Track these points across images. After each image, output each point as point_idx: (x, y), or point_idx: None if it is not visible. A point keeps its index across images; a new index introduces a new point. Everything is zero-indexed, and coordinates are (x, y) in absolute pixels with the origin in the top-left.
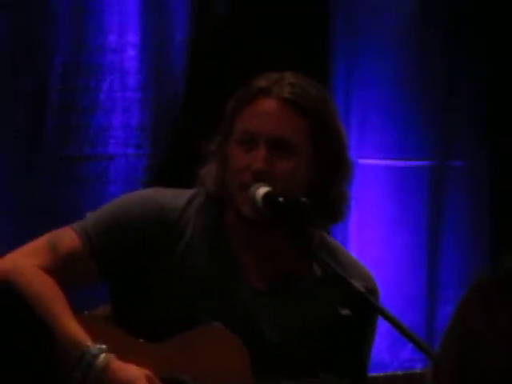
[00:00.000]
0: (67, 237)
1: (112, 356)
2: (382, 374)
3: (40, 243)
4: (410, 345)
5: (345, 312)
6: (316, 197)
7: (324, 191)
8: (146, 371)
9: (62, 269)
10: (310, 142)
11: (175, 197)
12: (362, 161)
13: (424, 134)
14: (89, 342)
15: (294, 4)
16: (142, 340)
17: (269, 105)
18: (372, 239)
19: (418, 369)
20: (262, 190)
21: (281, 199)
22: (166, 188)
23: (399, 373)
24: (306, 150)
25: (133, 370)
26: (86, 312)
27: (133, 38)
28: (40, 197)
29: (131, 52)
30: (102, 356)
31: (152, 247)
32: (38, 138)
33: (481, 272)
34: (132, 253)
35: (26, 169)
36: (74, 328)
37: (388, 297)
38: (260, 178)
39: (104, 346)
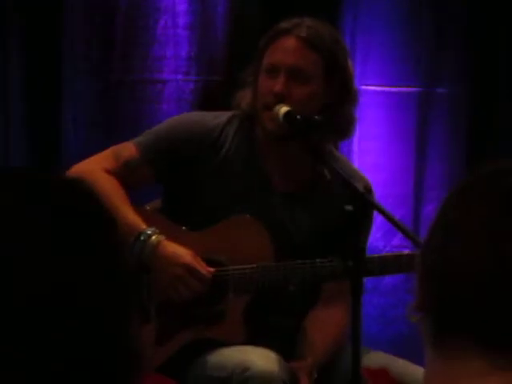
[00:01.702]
0: (127, 148)
1: (162, 237)
2: (376, 255)
3: (106, 153)
4: (400, 234)
5: (348, 208)
6: (328, 117)
7: (335, 113)
8: (190, 251)
9: (123, 172)
10: (322, 72)
11: (216, 117)
12: (364, 87)
13: (415, 66)
14: (144, 226)
15: None
16: (185, 228)
17: (289, 42)
18: (370, 150)
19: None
20: (284, 109)
21: (298, 117)
22: (208, 111)
23: (390, 254)
24: (320, 79)
25: (180, 248)
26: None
27: None
28: (111, 113)
29: None
30: (155, 236)
31: (195, 157)
32: (109, 65)
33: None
34: (179, 161)
35: (101, 89)
36: (131, 215)
37: (382, 196)
38: (280, 100)
39: (156, 230)
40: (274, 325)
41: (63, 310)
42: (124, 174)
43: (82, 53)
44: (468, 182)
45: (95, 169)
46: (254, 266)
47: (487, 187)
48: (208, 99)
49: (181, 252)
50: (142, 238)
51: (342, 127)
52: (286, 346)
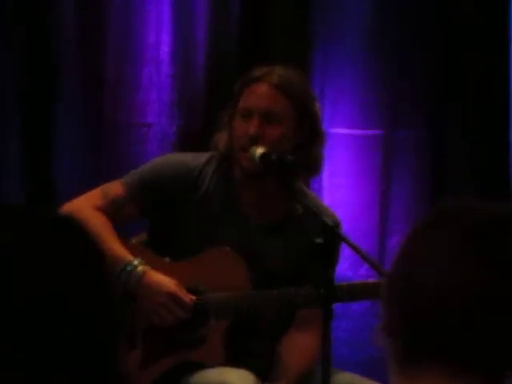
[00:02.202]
0: (115, 187)
1: (148, 267)
2: (344, 283)
3: (96, 192)
4: (366, 264)
5: (318, 240)
6: (299, 157)
7: (305, 153)
8: (174, 280)
9: (110, 209)
10: (293, 116)
11: (196, 157)
12: (333, 130)
13: (376, 110)
14: (130, 257)
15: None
16: (168, 259)
17: (261, 88)
18: (339, 186)
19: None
20: (259, 151)
21: (273, 157)
22: (189, 152)
23: (358, 282)
24: (290, 122)
25: (164, 277)
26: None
27: (166, 37)
28: (101, 156)
29: (165, 48)
30: (141, 267)
31: (177, 195)
32: (98, 110)
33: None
34: (162, 199)
35: (92, 135)
36: (118, 248)
37: (350, 229)
38: (255, 141)
39: (142, 260)
40: (251, 348)
41: (59, 315)
42: (111, 210)
43: (73, 93)
44: (432, 217)
45: (85, 206)
46: (233, 294)
47: (450, 223)
48: (189, 141)
49: (165, 281)
50: (128, 268)
51: (312, 166)
52: (263, 367)
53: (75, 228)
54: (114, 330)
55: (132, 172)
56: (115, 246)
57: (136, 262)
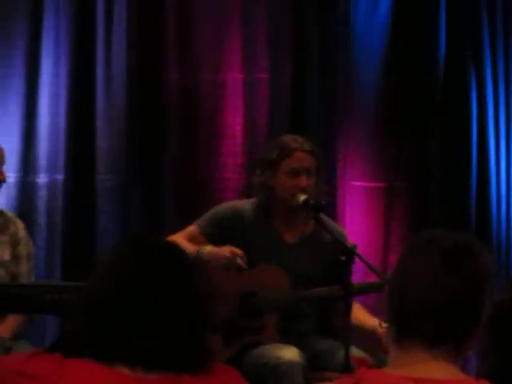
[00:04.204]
0: (192, 228)
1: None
2: (356, 283)
3: (182, 233)
4: (373, 274)
5: (343, 257)
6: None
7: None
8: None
9: (191, 241)
10: (316, 169)
11: (245, 203)
12: (353, 183)
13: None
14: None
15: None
16: (233, 271)
17: (301, 154)
18: (356, 223)
19: None
20: (302, 198)
21: (311, 202)
22: (238, 199)
23: (363, 282)
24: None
25: (219, 248)
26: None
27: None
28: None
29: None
30: (207, 249)
31: (233, 232)
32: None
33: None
34: (224, 235)
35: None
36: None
37: (362, 250)
38: (302, 191)
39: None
40: (295, 331)
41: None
42: (192, 242)
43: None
44: (415, 243)
45: (177, 239)
46: (278, 295)
47: (428, 247)
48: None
49: (223, 247)
50: (200, 250)
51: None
52: (306, 344)
53: (177, 248)
54: (207, 316)
55: (203, 217)
56: (191, 247)
57: (204, 247)
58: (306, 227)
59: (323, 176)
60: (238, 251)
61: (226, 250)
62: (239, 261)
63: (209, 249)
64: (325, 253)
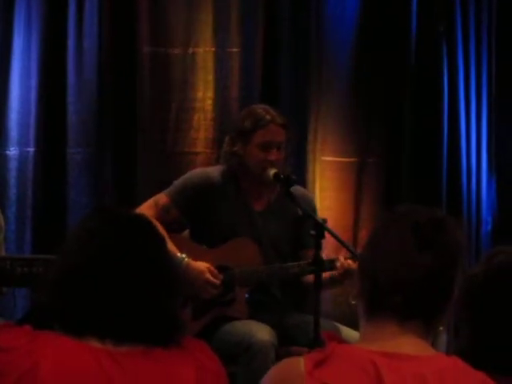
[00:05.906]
0: (161, 197)
1: (190, 259)
2: (326, 259)
3: (149, 202)
4: (344, 249)
5: (312, 232)
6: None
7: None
8: (207, 264)
9: (160, 215)
10: (286, 142)
11: (213, 170)
12: (324, 158)
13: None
14: (178, 253)
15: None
16: (205, 246)
17: (275, 128)
18: (323, 194)
19: None
20: (272, 172)
21: (282, 176)
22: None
23: (333, 258)
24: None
25: (200, 264)
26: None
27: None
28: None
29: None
30: (186, 260)
31: (204, 200)
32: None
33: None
34: (194, 203)
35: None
36: (170, 246)
37: (333, 226)
38: (272, 165)
39: (185, 255)
40: (265, 304)
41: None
42: (161, 215)
43: None
44: (388, 217)
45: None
46: (249, 269)
47: (400, 221)
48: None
49: (201, 268)
50: (177, 259)
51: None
52: (275, 319)
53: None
54: (178, 290)
55: (173, 185)
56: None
57: (183, 256)
58: (272, 194)
59: (292, 150)
60: (213, 280)
61: (202, 277)
62: (214, 291)
63: (186, 261)
64: (291, 215)
